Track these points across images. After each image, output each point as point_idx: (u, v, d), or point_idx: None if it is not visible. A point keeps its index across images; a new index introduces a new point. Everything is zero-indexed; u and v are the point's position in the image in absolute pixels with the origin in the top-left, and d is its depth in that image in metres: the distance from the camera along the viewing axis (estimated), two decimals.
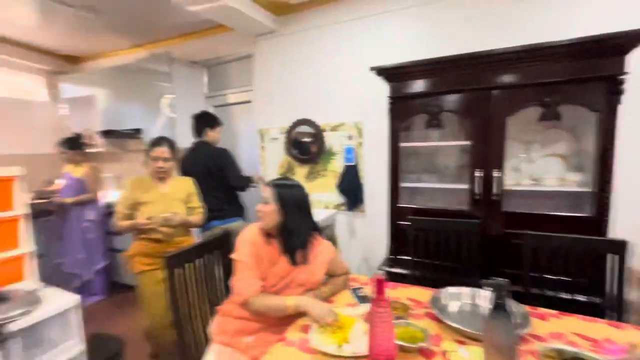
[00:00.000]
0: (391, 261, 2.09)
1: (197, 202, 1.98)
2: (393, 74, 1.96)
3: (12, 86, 3.40)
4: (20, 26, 2.95)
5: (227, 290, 1.42)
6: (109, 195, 3.32)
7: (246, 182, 2.29)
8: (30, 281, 1.71)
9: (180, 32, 3.17)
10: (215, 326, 1.27)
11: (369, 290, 1.35)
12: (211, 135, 2.35)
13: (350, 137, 2.57)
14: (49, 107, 3.70)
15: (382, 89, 2.03)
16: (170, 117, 3.01)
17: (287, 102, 2.81)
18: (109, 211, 3.05)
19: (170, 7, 2.39)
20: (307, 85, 2.70)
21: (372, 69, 1.98)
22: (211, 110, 3.33)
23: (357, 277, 1.51)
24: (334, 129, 2.62)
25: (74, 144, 2.94)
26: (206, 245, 1.50)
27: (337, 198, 2.64)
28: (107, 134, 3.48)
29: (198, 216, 1.95)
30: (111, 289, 3.14)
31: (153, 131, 3.10)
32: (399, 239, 2.06)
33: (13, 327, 1.32)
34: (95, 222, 2.98)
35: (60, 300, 1.56)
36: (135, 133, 3.33)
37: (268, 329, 1.21)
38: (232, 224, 2.22)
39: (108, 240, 3.12)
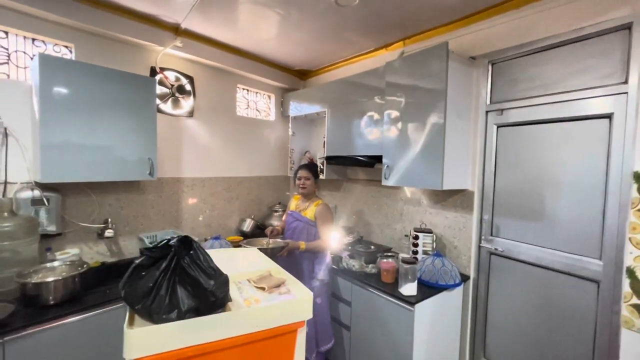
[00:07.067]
0: None
1: None
2: None
3: (250, 105, 3.22)
4: (258, 39, 2.57)
5: None
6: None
7: None
8: None
9: (450, 18, 2.09)
10: None
11: None
12: None
13: None
14: (277, 127, 3.39)
15: None
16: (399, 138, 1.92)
17: None
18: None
19: None
20: None
21: None
22: (494, 131, 2.07)
23: None
24: None
25: (317, 172, 2.28)
26: None
27: None
28: (332, 160, 2.79)
29: None
30: None
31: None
32: None
33: None
34: (325, 282, 2.20)
35: None
36: (372, 162, 2.48)
37: None
38: None
39: (333, 308, 2.32)
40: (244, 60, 2.89)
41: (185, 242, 0.71)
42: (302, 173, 2.25)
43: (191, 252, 0.71)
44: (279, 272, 1.19)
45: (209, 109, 2.80)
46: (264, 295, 0.96)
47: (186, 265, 0.70)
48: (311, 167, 2.30)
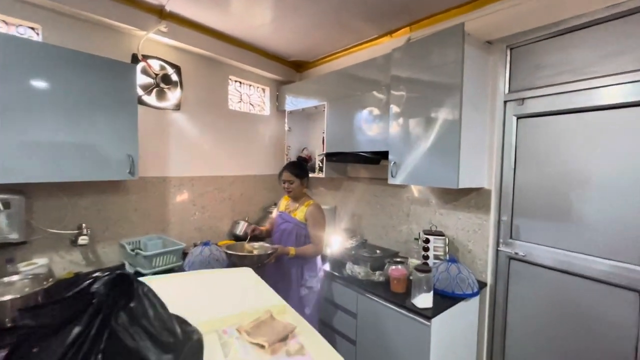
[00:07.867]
0: None
1: None
2: None
3: (243, 99, 2.99)
4: (251, 25, 2.36)
5: None
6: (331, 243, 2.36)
7: None
8: None
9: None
10: None
11: None
12: None
13: None
14: (272, 122, 3.16)
15: None
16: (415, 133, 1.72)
17: None
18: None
19: None
20: None
21: None
22: (513, 123, 1.87)
23: None
24: None
25: (303, 172, 2.07)
26: None
27: None
28: (333, 156, 2.58)
29: None
30: None
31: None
32: None
33: None
34: (315, 290, 2.00)
35: None
36: (377, 158, 2.28)
37: None
38: None
39: (336, 321, 2.11)
40: (236, 49, 2.66)
41: (121, 285, 0.38)
42: (285, 176, 2.04)
43: (131, 304, 0.38)
44: (283, 310, 0.81)
45: (198, 102, 2.56)
46: (264, 358, 0.64)
47: (121, 329, 0.37)
48: (295, 167, 2.07)
